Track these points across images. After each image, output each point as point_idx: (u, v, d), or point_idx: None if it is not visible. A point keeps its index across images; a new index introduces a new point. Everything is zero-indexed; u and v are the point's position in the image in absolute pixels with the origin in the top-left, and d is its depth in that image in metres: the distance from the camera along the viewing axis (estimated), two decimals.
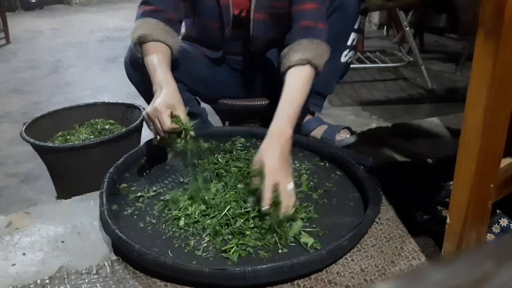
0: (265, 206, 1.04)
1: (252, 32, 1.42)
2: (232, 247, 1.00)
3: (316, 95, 1.56)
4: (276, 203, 1.05)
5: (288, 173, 1.11)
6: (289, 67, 1.23)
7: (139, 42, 1.26)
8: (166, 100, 1.13)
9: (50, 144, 1.56)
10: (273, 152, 1.10)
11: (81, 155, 1.49)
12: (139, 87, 1.50)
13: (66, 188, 1.59)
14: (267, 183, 1.05)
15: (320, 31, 1.29)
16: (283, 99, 1.19)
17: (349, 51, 1.50)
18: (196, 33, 1.48)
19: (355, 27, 1.46)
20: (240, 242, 1.01)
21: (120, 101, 1.85)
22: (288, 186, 1.08)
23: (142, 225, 1.10)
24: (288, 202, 1.07)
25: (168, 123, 1.10)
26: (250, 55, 1.51)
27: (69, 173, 1.55)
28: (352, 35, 1.47)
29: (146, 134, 1.75)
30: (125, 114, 1.82)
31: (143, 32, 1.25)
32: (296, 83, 1.22)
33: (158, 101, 1.13)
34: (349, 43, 1.48)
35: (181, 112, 1.14)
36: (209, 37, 1.48)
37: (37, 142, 1.50)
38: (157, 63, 1.22)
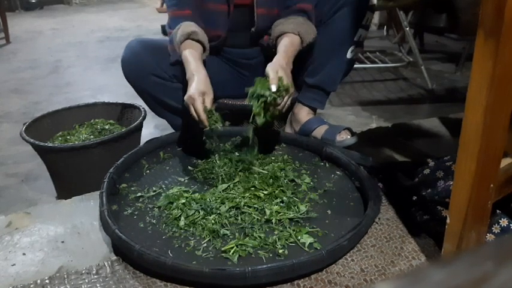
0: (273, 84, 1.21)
1: (256, 6, 1.44)
2: (232, 247, 1.00)
3: (319, 91, 1.56)
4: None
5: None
6: (284, 32, 1.41)
7: (187, 37, 1.37)
8: (199, 87, 1.24)
9: (50, 144, 1.56)
10: (281, 64, 1.29)
11: (81, 155, 1.49)
12: (136, 86, 1.50)
13: (66, 188, 1.58)
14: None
15: (312, 15, 1.46)
16: (284, 47, 1.36)
17: (355, 48, 1.50)
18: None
19: (363, 23, 1.47)
20: (240, 242, 1.01)
21: (120, 101, 1.85)
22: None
23: (142, 225, 1.10)
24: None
25: (201, 111, 1.21)
26: (250, 41, 1.52)
27: (69, 173, 1.55)
28: (359, 31, 1.48)
29: (146, 134, 1.75)
30: (124, 114, 1.82)
31: (195, 29, 1.37)
32: (291, 42, 1.39)
33: (192, 88, 1.25)
34: (355, 38, 1.48)
35: (209, 100, 1.25)
36: (210, 24, 1.49)
37: (37, 142, 1.49)
38: (193, 55, 1.34)
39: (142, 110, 1.70)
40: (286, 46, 1.37)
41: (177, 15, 1.44)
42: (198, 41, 1.38)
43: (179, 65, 1.40)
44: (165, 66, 1.45)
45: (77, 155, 1.49)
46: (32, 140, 1.50)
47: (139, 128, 1.65)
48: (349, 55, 1.51)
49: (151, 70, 1.44)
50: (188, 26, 1.39)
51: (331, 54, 1.48)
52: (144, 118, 1.66)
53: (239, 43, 1.54)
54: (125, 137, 1.56)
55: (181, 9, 1.44)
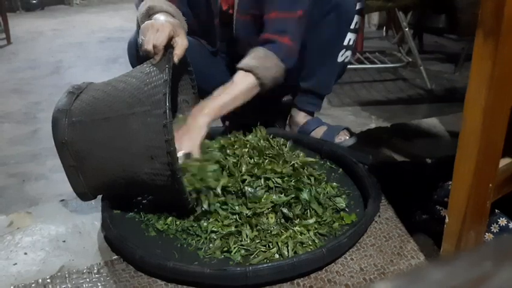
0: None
1: (234, 31, 1.44)
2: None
3: (313, 95, 1.57)
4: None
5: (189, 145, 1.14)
6: (238, 68, 1.29)
7: (148, 15, 1.22)
8: (171, 21, 1.15)
9: None
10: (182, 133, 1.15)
11: None
12: None
13: None
14: None
15: (281, 45, 1.31)
16: (222, 89, 1.26)
17: (345, 51, 1.50)
18: (193, 25, 1.51)
19: (352, 27, 1.46)
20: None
21: None
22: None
23: (143, 226, 1.10)
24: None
25: (163, 40, 1.09)
26: (237, 56, 1.52)
27: None
28: (349, 35, 1.47)
29: None
30: None
31: (153, 3, 1.22)
32: (237, 84, 1.27)
33: (162, 18, 1.14)
34: (345, 43, 1.48)
35: (182, 45, 1.14)
36: (203, 30, 1.51)
37: None
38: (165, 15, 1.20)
39: None
40: (220, 91, 1.25)
41: None
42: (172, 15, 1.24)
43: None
44: None
45: None
46: None
47: None
48: (340, 59, 1.50)
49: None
50: (144, 5, 1.24)
51: (322, 58, 1.48)
52: None
53: (226, 51, 1.55)
54: None
55: None
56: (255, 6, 1.38)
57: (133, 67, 1.42)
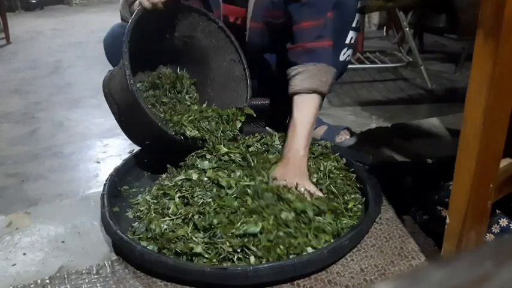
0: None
1: (248, 39, 1.44)
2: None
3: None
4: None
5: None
6: (296, 92, 1.27)
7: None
8: None
9: None
10: (289, 173, 1.15)
11: None
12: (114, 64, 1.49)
13: None
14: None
15: (323, 51, 1.31)
16: (294, 123, 1.24)
17: (347, 50, 1.49)
18: None
19: (353, 25, 1.45)
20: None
21: None
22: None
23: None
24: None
25: None
26: (246, 57, 1.52)
27: None
28: (350, 34, 1.46)
29: None
30: None
31: None
32: (304, 108, 1.26)
33: None
34: (347, 41, 1.47)
35: None
36: None
37: None
38: None
39: None
40: (297, 125, 1.23)
41: None
42: None
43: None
44: None
45: None
46: None
47: None
48: (341, 58, 1.49)
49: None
50: None
51: None
52: None
53: None
54: None
55: None
56: (268, 14, 1.40)
57: (110, 61, 1.54)
